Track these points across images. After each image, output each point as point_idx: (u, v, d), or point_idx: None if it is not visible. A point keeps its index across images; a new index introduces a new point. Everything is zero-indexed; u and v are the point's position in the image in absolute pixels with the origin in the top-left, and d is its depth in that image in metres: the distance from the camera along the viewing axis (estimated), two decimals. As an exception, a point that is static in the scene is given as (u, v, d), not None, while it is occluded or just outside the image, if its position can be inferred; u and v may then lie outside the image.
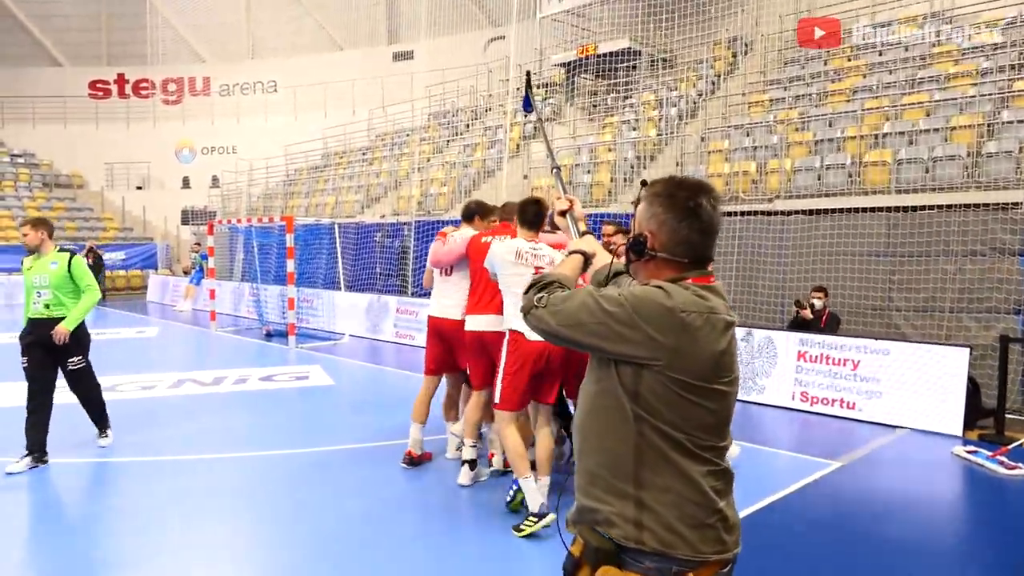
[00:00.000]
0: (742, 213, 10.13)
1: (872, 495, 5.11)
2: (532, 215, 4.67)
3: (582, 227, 2.45)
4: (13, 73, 28.82)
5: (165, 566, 3.94)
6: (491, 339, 4.84)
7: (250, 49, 30.14)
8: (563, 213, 2.49)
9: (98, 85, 29.91)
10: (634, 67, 17.88)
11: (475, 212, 5.54)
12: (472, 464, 5.09)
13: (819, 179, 10.80)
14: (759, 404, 7.54)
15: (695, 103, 15.71)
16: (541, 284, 1.90)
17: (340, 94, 27.30)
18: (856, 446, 6.17)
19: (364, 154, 23.80)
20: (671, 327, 1.69)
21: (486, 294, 4.93)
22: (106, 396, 8.11)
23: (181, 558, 4.06)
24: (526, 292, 1.91)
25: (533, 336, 4.43)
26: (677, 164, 12.91)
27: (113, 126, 29.00)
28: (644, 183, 1.96)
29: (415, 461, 5.49)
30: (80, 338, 5.84)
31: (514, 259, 4.52)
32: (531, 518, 4.27)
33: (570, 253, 2.20)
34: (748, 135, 12.70)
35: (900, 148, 10.27)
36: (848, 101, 12.40)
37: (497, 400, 4.51)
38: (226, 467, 5.68)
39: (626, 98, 17.70)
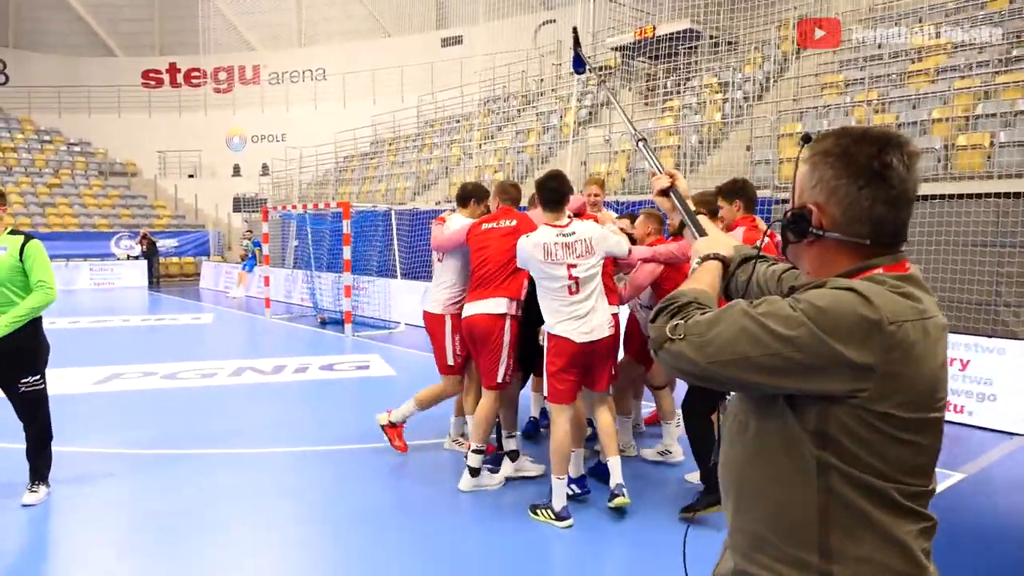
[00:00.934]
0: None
1: (1016, 511, 4.59)
2: (553, 193, 4.26)
3: (691, 207, 1.94)
4: (70, 63, 29.29)
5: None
6: (483, 326, 4.60)
7: (299, 37, 30.13)
8: (665, 192, 1.98)
9: (151, 74, 30.23)
10: (695, 49, 17.23)
11: (471, 196, 5.18)
12: (474, 471, 4.72)
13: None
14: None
15: (762, 85, 15.03)
16: (673, 307, 1.41)
17: (389, 81, 27.11)
18: (974, 455, 5.63)
19: (414, 141, 23.55)
20: (879, 347, 1.24)
21: (484, 282, 4.67)
22: (168, 383, 8.06)
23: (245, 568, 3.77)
24: (652, 320, 1.42)
25: (580, 339, 4.15)
26: (747, 148, 12.31)
27: (165, 115, 29.28)
28: (806, 138, 1.48)
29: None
30: (37, 351, 4.48)
31: (543, 259, 4.16)
32: (548, 511, 4.21)
33: (702, 260, 1.67)
34: (823, 117, 12.03)
35: (997, 130, 9.54)
36: (932, 82, 11.65)
37: (546, 394, 4.31)
38: (295, 462, 5.40)
39: (686, 81, 17.07)
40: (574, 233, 4.17)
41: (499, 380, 4.63)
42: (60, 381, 8.05)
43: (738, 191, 4.50)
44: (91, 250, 22.93)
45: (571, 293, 4.15)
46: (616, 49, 19.34)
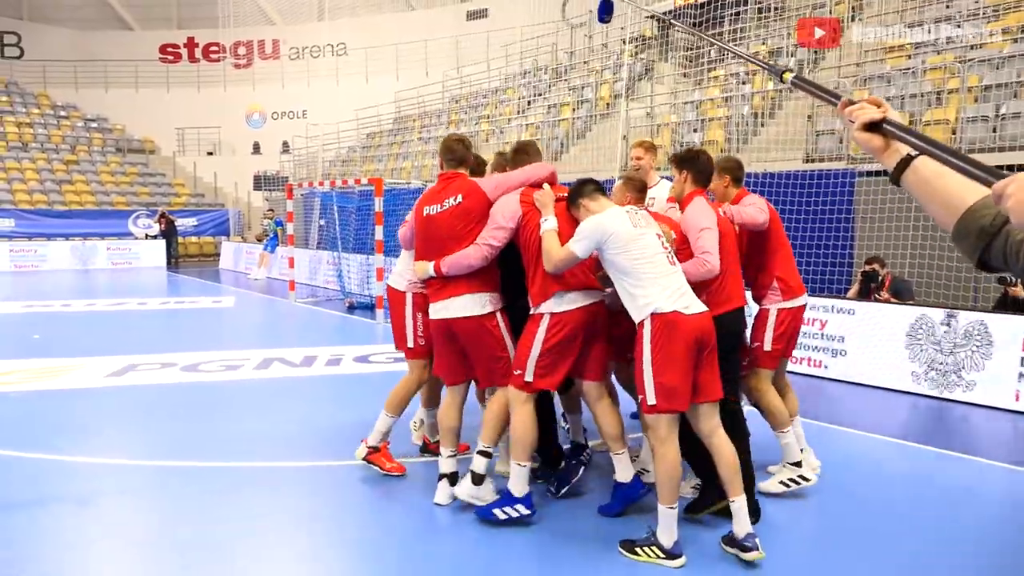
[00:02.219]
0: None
1: None
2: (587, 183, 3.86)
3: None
4: (85, 36, 28.58)
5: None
6: (469, 329, 3.95)
7: (320, 10, 29.22)
8: (875, 126, 1.48)
9: (168, 49, 29.48)
10: (738, 15, 16.18)
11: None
12: (452, 478, 4.10)
13: (994, 131, 9.15)
14: (967, 404, 6.16)
15: (816, 52, 13.99)
16: None
17: (412, 55, 26.17)
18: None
19: (439, 117, 22.69)
20: None
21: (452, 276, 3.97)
22: (188, 377, 7.37)
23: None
24: None
25: (694, 308, 3.48)
26: (809, 118, 11.34)
27: (184, 91, 28.53)
28: None
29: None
30: None
31: (632, 225, 3.57)
32: (653, 549, 3.44)
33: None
34: (890, 83, 11.04)
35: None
36: (1015, 40, 10.60)
37: (653, 401, 3.42)
38: (335, 477, 4.65)
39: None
40: (639, 211, 3.77)
41: (505, 377, 3.94)
42: (72, 373, 7.41)
43: (690, 160, 4.12)
44: (109, 229, 22.33)
45: (671, 264, 3.58)
46: (653, 18, 18.32)
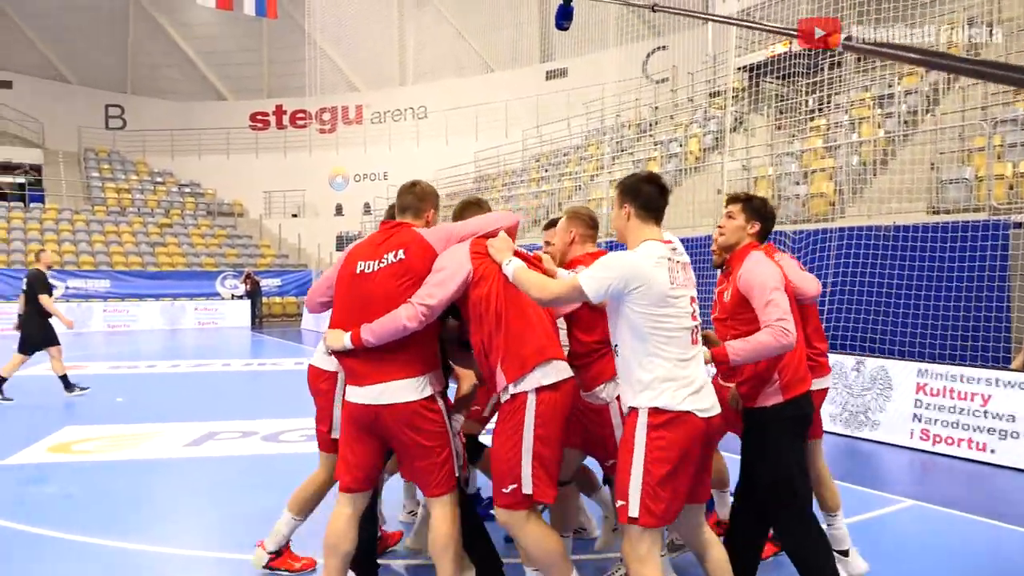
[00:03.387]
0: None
1: None
2: (656, 199, 2.93)
3: None
4: (183, 107, 30.04)
5: None
6: (403, 420, 3.07)
7: (401, 75, 29.93)
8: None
9: (258, 117, 30.66)
10: (838, 63, 15.40)
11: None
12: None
13: None
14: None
15: (928, 97, 13.04)
16: None
17: (492, 116, 26.31)
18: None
19: (519, 176, 22.50)
20: None
21: (382, 349, 3.06)
22: (268, 448, 6.85)
23: None
24: None
25: (710, 412, 2.78)
26: (933, 166, 10.37)
27: (271, 156, 29.48)
28: None
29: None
30: None
31: (670, 283, 2.78)
32: None
33: None
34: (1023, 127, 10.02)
35: None
36: None
37: (635, 513, 2.70)
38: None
39: (830, 98, 15.25)
40: (680, 252, 2.90)
41: (453, 476, 3.17)
42: (151, 441, 7.06)
43: (766, 212, 3.52)
44: (197, 289, 22.82)
45: (694, 343, 2.82)
46: (742, 69, 17.74)
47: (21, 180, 26.78)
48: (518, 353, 2.97)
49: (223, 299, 22.77)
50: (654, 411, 2.70)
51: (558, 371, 3.01)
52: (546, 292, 2.89)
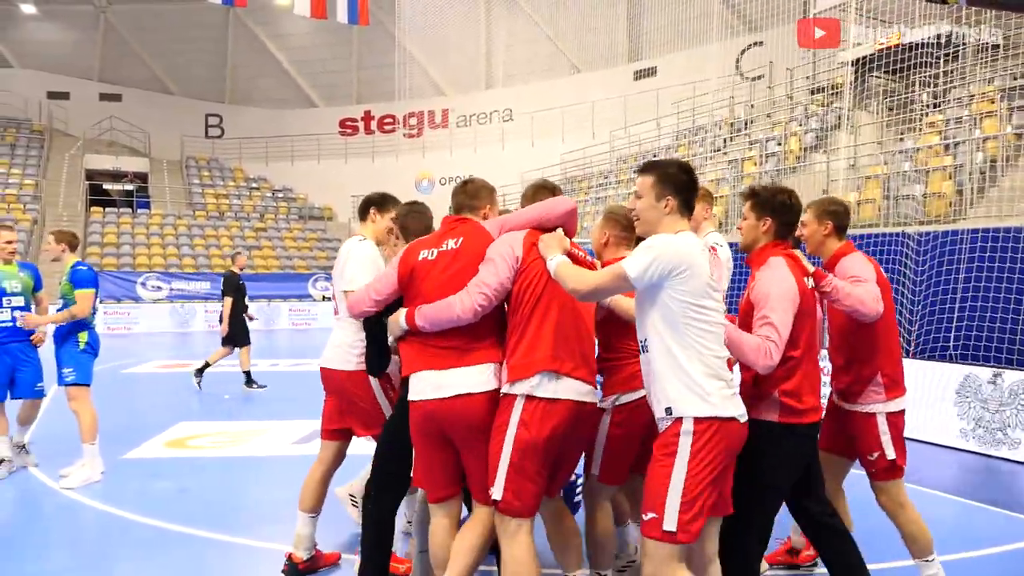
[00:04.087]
0: None
1: None
2: (690, 184, 2.77)
3: None
4: (277, 115, 31.05)
5: None
6: (474, 412, 2.92)
7: (486, 79, 30.06)
8: None
9: (347, 123, 31.37)
10: (955, 55, 14.45)
11: (369, 204, 4.04)
12: None
13: None
14: None
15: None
16: None
17: (578, 118, 26.06)
18: None
19: (606, 177, 22.17)
20: None
21: (448, 338, 2.95)
22: (371, 446, 6.77)
23: None
24: None
25: (745, 417, 2.64)
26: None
27: (359, 161, 30.09)
28: None
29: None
30: None
31: (710, 273, 2.62)
32: None
33: None
34: None
35: None
36: None
37: (673, 528, 2.49)
38: None
39: (945, 92, 14.32)
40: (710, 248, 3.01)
41: (502, 492, 2.86)
42: (261, 437, 7.16)
43: (780, 206, 3.12)
44: (290, 291, 23.46)
45: (724, 344, 2.70)
46: (845, 64, 16.89)
47: (129, 187, 28.22)
48: (527, 355, 2.82)
49: (315, 300, 23.32)
50: (702, 420, 2.51)
51: (565, 389, 2.82)
52: (583, 283, 2.71)
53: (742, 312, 3.05)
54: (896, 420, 3.40)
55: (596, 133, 25.00)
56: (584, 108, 25.77)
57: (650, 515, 2.51)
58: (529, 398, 2.78)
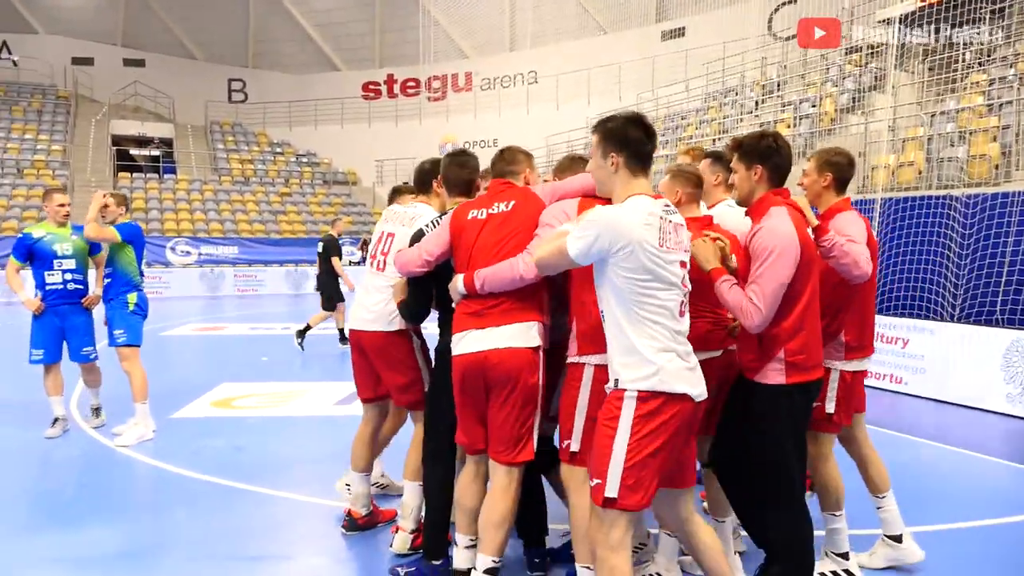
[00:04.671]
0: None
1: None
2: (643, 144, 2.59)
3: None
4: (300, 80, 30.88)
5: None
6: (510, 367, 2.94)
7: (511, 41, 29.63)
8: None
9: (370, 86, 31.13)
10: (1002, 11, 13.99)
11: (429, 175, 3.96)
12: None
13: None
14: None
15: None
16: None
17: (604, 80, 25.65)
18: None
19: (634, 141, 21.88)
20: None
21: (491, 297, 2.99)
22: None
23: None
24: None
25: (698, 395, 2.50)
26: None
27: (383, 125, 29.94)
28: None
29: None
30: None
31: (656, 243, 2.45)
32: None
33: None
34: None
35: None
36: None
37: (614, 493, 2.45)
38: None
39: (990, 52, 13.90)
40: (673, 211, 2.58)
41: (530, 449, 3.03)
42: (303, 398, 7.25)
43: (766, 151, 2.96)
44: (316, 256, 23.51)
45: (681, 315, 2.53)
46: (885, 22, 16.42)
47: (156, 153, 28.32)
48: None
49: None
50: (645, 393, 2.43)
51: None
52: (530, 263, 2.80)
53: (741, 263, 2.99)
54: (852, 380, 3.38)
55: (623, 96, 24.60)
56: (611, 70, 25.35)
57: (595, 481, 2.50)
58: (598, 367, 2.84)
